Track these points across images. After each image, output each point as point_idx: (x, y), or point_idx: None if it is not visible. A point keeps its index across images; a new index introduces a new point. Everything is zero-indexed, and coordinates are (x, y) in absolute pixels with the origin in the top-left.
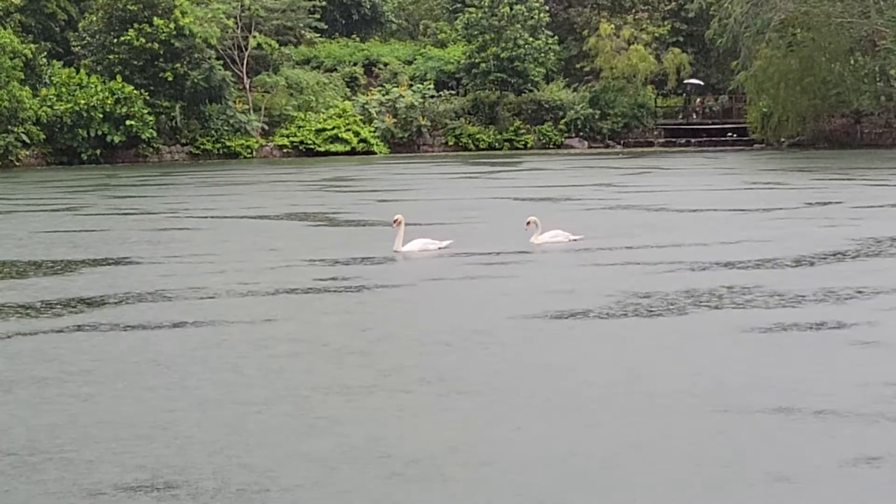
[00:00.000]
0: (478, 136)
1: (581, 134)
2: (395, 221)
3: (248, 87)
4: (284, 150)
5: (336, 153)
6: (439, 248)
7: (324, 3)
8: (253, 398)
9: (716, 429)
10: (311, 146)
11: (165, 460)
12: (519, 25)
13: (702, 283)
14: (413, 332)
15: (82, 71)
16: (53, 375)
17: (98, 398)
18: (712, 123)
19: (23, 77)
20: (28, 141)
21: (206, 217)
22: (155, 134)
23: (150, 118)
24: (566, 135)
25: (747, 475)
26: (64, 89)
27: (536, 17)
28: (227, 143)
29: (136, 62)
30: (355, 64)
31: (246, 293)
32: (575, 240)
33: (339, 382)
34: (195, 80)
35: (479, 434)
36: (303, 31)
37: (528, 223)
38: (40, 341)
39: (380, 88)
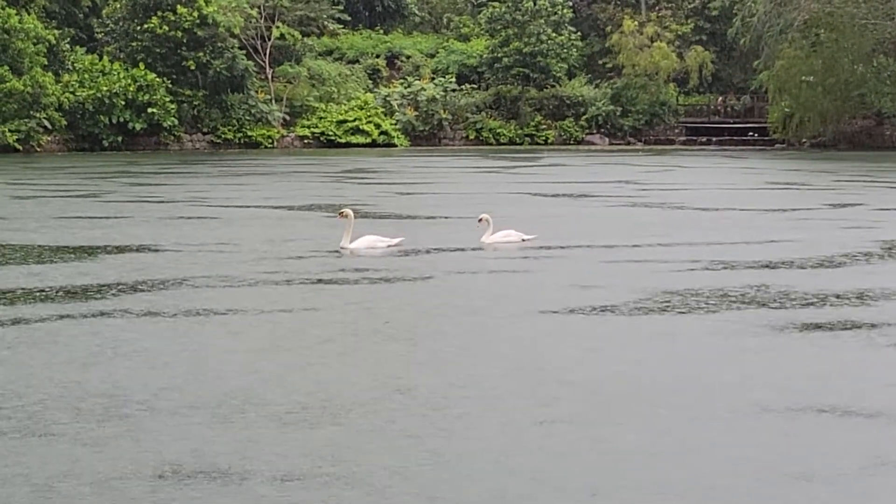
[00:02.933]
0: (499, 130)
1: (602, 130)
2: (340, 214)
3: (270, 77)
4: (305, 141)
5: (357, 145)
6: (388, 246)
7: None
8: (281, 386)
9: (739, 427)
10: (332, 137)
11: (202, 448)
12: (542, 21)
13: (725, 282)
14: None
15: (105, 58)
16: (76, 361)
17: (125, 383)
18: (734, 122)
19: (46, 63)
20: (50, 127)
21: (226, 206)
22: (176, 122)
23: (172, 106)
24: (587, 131)
25: (771, 474)
26: (87, 76)
27: (560, 12)
28: (249, 133)
29: (158, 50)
30: (378, 56)
31: (266, 282)
32: (527, 239)
33: (372, 376)
34: (218, 69)
35: (501, 426)
36: (326, 22)
37: (481, 220)
38: (61, 327)
39: (402, 81)
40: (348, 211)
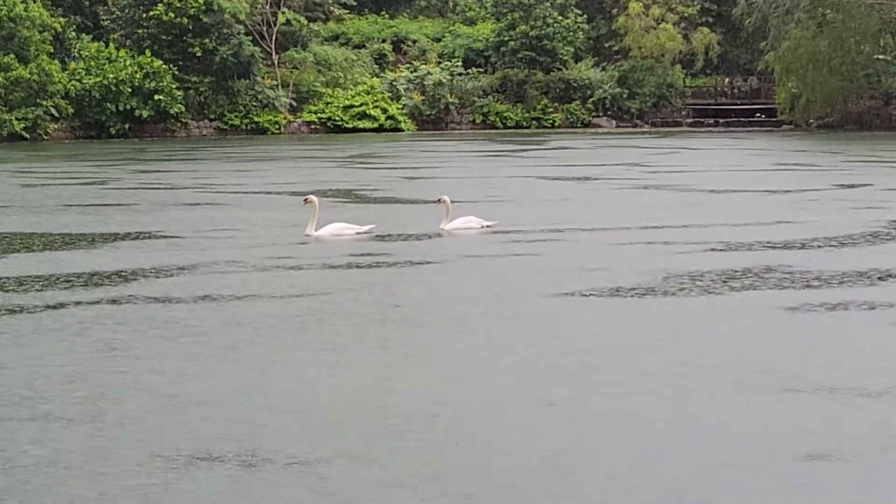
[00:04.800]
0: (505, 114)
1: (609, 113)
2: (305, 201)
3: (276, 62)
4: (312, 127)
5: (364, 130)
6: (357, 234)
7: None
8: (296, 369)
9: (751, 407)
10: (339, 123)
11: (208, 432)
12: (548, 4)
13: (734, 263)
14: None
15: (111, 45)
16: (88, 349)
17: (135, 371)
18: (741, 104)
19: (52, 51)
20: (57, 115)
21: (234, 192)
22: (183, 109)
23: (179, 93)
24: (594, 114)
25: (785, 453)
26: (93, 63)
27: None
28: (255, 119)
29: (165, 37)
30: (384, 41)
31: (276, 267)
32: (488, 226)
33: (379, 356)
34: (224, 56)
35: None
36: (332, 8)
37: (440, 201)
38: (73, 314)
39: (408, 65)
40: (313, 197)
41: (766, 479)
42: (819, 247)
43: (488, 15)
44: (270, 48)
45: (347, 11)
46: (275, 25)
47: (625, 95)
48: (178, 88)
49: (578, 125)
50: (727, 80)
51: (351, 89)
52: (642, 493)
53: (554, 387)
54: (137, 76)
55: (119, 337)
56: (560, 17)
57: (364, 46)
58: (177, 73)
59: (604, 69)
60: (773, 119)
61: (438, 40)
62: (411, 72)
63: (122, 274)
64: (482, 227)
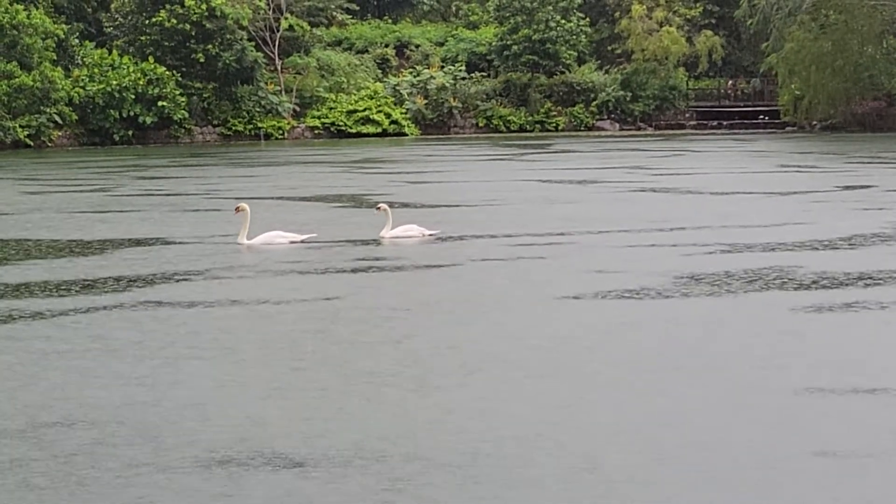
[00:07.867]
0: (509, 117)
1: (612, 116)
2: (237, 210)
3: (279, 68)
4: (315, 132)
5: (367, 135)
6: (291, 242)
7: None
8: (303, 373)
9: (761, 405)
10: (343, 128)
11: (224, 433)
12: (551, 7)
13: (740, 265)
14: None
15: (114, 52)
16: (99, 352)
17: (145, 372)
18: (744, 106)
19: (55, 58)
20: (60, 122)
21: (238, 198)
22: (187, 115)
23: (182, 99)
24: (597, 117)
25: (795, 451)
26: (96, 70)
27: None
28: (259, 125)
29: (168, 43)
30: (387, 45)
31: (281, 272)
32: (430, 235)
33: (380, 364)
34: (227, 62)
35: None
36: (334, 13)
37: (379, 209)
38: (80, 319)
39: (411, 70)
40: (244, 206)
41: (776, 478)
42: (825, 248)
43: (491, 19)
44: (273, 54)
45: (350, 16)
46: (278, 31)
47: (628, 98)
48: (181, 95)
49: (582, 128)
50: (730, 82)
51: (354, 94)
52: (652, 491)
53: (559, 386)
54: (141, 83)
55: (133, 340)
56: (563, 21)
57: (367, 51)
58: (180, 79)
59: (607, 72)
60: (777, 121)
61: (441, 44)
62: (414, 76)
63: (128, 278)
64: (423, 235)
